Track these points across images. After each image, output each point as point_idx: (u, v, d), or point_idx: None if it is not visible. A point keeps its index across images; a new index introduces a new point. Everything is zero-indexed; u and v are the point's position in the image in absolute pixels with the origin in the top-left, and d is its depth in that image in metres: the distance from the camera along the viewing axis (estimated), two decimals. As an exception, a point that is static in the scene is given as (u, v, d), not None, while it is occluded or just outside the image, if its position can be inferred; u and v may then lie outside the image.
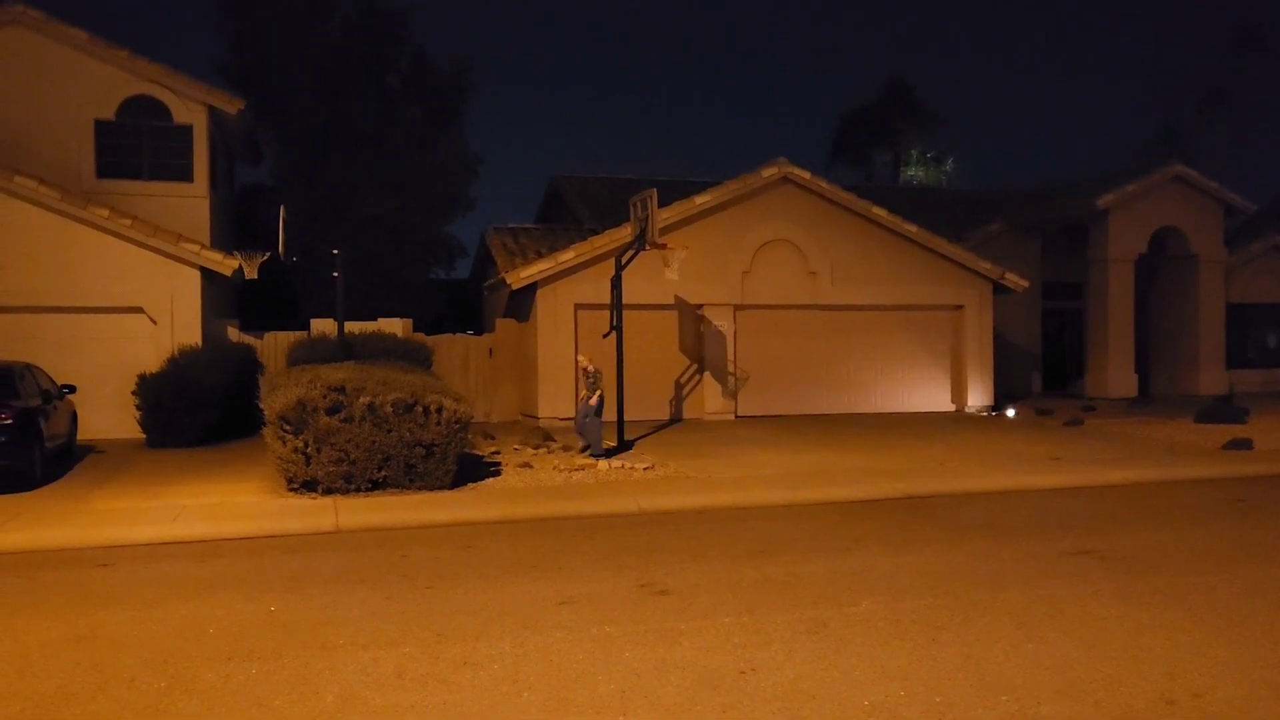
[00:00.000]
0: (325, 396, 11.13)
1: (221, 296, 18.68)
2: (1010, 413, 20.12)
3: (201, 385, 15.30)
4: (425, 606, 6.83)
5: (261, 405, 11.67)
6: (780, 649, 5.84)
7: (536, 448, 15.00)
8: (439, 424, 11.43)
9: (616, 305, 15.33)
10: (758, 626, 6.28)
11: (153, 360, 15.97)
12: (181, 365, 15.60)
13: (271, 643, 6.04)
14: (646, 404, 18.75)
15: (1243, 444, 14.92)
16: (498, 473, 12.76)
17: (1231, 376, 24.26)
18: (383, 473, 11.31)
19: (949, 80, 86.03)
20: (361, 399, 11.18)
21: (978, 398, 20.83)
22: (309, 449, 11.09)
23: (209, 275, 16.96)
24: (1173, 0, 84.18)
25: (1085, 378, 23.95)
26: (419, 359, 17.00)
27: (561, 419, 18.29)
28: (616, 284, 15.38)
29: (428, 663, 5.60)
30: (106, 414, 16.04)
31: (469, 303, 25.57)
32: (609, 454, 13.93)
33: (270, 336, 18.24)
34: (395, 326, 18.66)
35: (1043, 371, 25.58)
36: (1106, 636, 6.08)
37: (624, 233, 17.26)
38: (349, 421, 11.09)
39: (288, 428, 11.08)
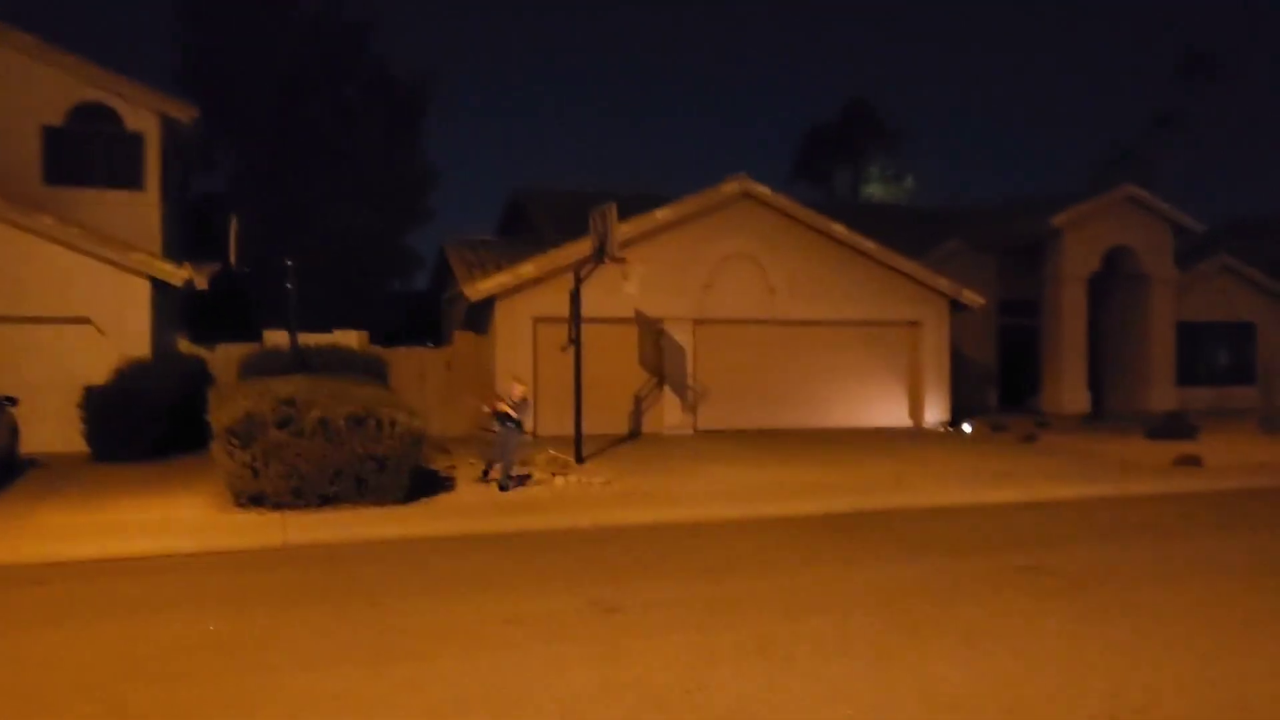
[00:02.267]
0: (275, 410, 10.93)
1: (173, 307, 18.33)
2: (966, 428, 20.30)
3: (149, 398, 14.98)
4: (371, 625, 6.69)
5: (209, 418, 11.44)
6: (729, 668, 5.78)
7: (492, 462, 14.82)
8: (392, 438, 11.27)
9: (575, 319, 15.26)
10: (707, 644, 6.23)
11: (100, 372, 15.58)
12: (129, 377, 15.26)
13: (208, 664, 5.87)
14: (605, 418, 18.67)
15: (1192, 460, 15.14)
16: (452, 488, 12.60)
17: (1182, 394, 24.68)
18: (334, 487, 11.12)
19: (911, 100, 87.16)
20: (313, 412, 10.99)
21: (934, 413, 21.00)
22: (257, 463, 10.87)
23: (159, 285, 16.63)
24: (1130, 23, 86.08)
25: (1040, 394, 24.24)
26: (374, 372, 16.82)
27: (519, 433, 18.12)
28: (575, 297, 15.31)
29: (370, 683, 5.48)
30: (51, 427, 15.62)
31: (428, 315, 25.35)
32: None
33: (222, 348, 17.93)
34: (351, 339, 18.45)
35: (999, 388, 25.87)
36: (1053, 652, 6.10)
37: (584, 246, 17.17)
38: (299, 435, 10.89)
39: (235, 441, 10.85)
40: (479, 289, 18.09)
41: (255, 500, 10.99)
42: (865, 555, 9.12)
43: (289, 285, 13.80)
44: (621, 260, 15.33)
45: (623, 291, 15.90)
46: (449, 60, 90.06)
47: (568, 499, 12.03)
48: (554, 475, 13.45)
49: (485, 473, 13.10)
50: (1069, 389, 23.53)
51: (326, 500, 11.11)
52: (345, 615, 6.95)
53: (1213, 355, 26.51)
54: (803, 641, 6.30)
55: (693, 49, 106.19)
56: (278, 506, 10.93)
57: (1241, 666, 5.80)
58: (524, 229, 25.31)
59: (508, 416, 12.66)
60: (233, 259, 13.55)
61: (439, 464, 14.50)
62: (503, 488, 12.43)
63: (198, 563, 8.88)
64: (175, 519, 10.53)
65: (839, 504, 11.99)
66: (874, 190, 47.96)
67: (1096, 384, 24.76)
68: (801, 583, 8.03)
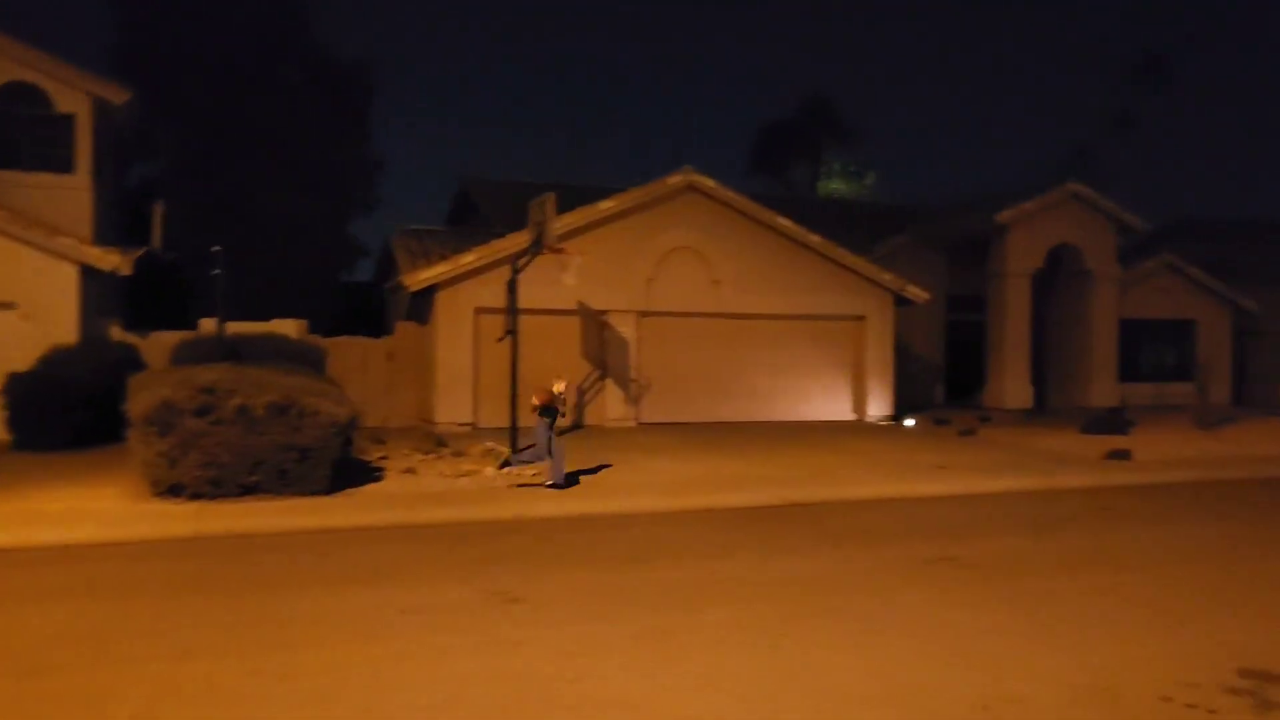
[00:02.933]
0: (193, 398, 10.71)
1: (104, 294, 17.92)
2: (909, 422, 20.43)
3: (76, 385, 14.65)
4: (262, 615, 6.55)
5: (125, 407, 11.20)
6: (618, 658, 5.73)
7: (426, 454, 14.68)
8: (315, 427, 11.09)
9: (511, 309, 15.15)
10: (602, 635, 6.16)
11: (25, 359, 15.21)
12: (55, 364, 14.93)
13: (83, 655, 5.71)
14: (547, 410, 18.55)
15: (1122, 454, 15.34)
16: (380, 478, 12.43)
17: (1123, 389, 25.01)
18: (254, 477, 10.92)
19: (873, 97, 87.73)
20: (233, 401, 10.78)
21: (878, 407, 21.11)
22: (174, 452, 10.65)
23: (89, 271, 16.28)
24: (1091, 23, 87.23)
25: (984, 389, 24.46)
26: (310, 361, 16.57)
27: (459, 424, 18.00)
28: (511, 288, 15.20)
29: (244, 675, 5.35)
30: (-27, 415, 15.25)
31: (373, 306, 25.07)
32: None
33: (155, 336, 17.55)
34: (289, 328, 18.15)
35: (945, 382, 26.07)
36: (946, 642, 6.10)
37: (527, 237, 17.06)
38: (218, 424, 10.68)
39: (152, 430, 10.62)
40: (418, 278, 17.89)
41: (173, 490, 10.77)
42: (782, 547, 9.12)
43: (216, 271, 13.55)
44: (559, 250, 15.24)
45: (559, 282, 15.79)
46: (406, 49, 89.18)
47: (495, 490, 11.90)
48: (483, 467, 13.32)
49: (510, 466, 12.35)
50: (1012, 384, 23.76)
51: (247, 490, 10.91)
52: (238, 605, 6.81)
53: (1154, 352, 26.88)
54: (700, 632, 6.26)
55: (652, 42, 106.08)
56: (196, 496, 10.72)
57: (1124, 655, 5.85)
58: (473, 220, 25.08)
59: (546, 411, 11.95)
60: (157, 243, 13.28)
61: (371, 455, 14.33)
62: (559, 485, 11.84)
63: (101, 553, 8.67)
64: (87, 509, 10.28)
65: (768, 496, 11.99)
66: (835, 186, 48.16)
67: (1040, 380, 25.03)
68: (714, 574, 7.99)
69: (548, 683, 5.28)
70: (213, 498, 10.73)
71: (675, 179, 19.60)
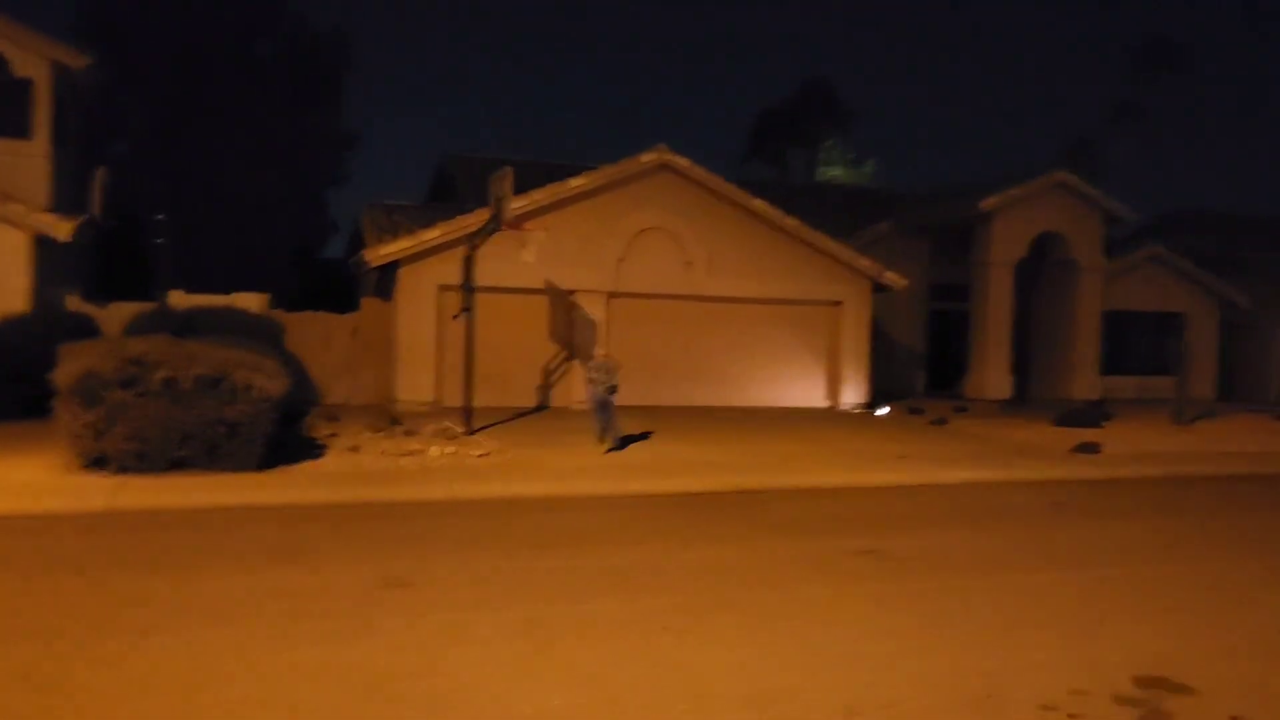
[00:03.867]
0: (119, 369, 10.46)
1: (62, 263, 17.62)
2: (882, 411, 20.08)
3: (24, 355, 14.37)
4: (122, 596, 6.26)
5: (52, 376, 10.93)
6: (477, 649, 5.43)
7: (377, 432, 14.38)
8: (246, 402, 10.82)
9: (467, 286, 14.83)
10: (474, 624, 5.87)
11: (-27, 327, 14.98)
12: (3, 333, 14.69)
13: (-79, 633, 5.45)
14: (512, 391, 18.33)
15: (1090, 448, 14.98)
16: (319, 456, 12.15)
17: (1106, 382, 24.61)
18: (182, 452, 10.65)
19: (875, 85, 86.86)
20: (159, 373, 10.52)
21: (852, 395, 20.76)
22: (100, 424, 10.41)
23: (42, 239, 15.99)
24: (1098, 14, 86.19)
25: (965, 379, 24.07)
26: (269, 336, 16.34)
27: (421, 403, 17.72)
28: (468, 265, 14.87)
29: (69, 661, 5.06)
30: (-82, 384, 15.00)
31: (345, 282, 24.75)
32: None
33: (114, 307, 17.28)
34: (250, 302, 17.87)
35: (927, 372, 25.69)
36: (834, 641, 5.80)
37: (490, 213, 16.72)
38: (144, 396, 10.43)
39: (77, 400, 10.39)
40: (380, 254, 17.56)
41: (99, 463, 10.54)
42: (708, 534, 8.81)
43: (160, 241, 13.24)
44: (518, 227, 14.90)
45: (520, 260, 15.45)
46: (399, 24, 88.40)
47: (434, 470, 11.63)
48: (429, 446, 13.03)
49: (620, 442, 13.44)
50: (993, 375, 23.36)
51: (174, 465, 10.65)
52: (102, 585, 6.51)
53: (1139, 345, 26.42)
54: (576, 624, 5.96)
55: (653, 24, 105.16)
56: (122, 470, 10.48)
57: (1021, 659, 5.53)
58: (451, 197, 24.73)
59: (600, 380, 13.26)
60: (97, 210, 12.96)
61: (320, 432, 14.04)
62: (614, 448, 13.18)
63: (4, 526, 8.39)
64: (6, 480, 10.04)
65: (715, 482, 11.69)
66: (835, 173, 47.64)
67: (1023, 371, 24.63)
68: (623, 561, 7.69)
69: (386, 677, 4.98)
70: (139, 471, 10.48)
71: (648, 157, 19.20)
